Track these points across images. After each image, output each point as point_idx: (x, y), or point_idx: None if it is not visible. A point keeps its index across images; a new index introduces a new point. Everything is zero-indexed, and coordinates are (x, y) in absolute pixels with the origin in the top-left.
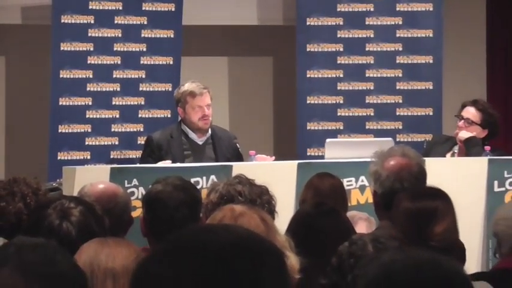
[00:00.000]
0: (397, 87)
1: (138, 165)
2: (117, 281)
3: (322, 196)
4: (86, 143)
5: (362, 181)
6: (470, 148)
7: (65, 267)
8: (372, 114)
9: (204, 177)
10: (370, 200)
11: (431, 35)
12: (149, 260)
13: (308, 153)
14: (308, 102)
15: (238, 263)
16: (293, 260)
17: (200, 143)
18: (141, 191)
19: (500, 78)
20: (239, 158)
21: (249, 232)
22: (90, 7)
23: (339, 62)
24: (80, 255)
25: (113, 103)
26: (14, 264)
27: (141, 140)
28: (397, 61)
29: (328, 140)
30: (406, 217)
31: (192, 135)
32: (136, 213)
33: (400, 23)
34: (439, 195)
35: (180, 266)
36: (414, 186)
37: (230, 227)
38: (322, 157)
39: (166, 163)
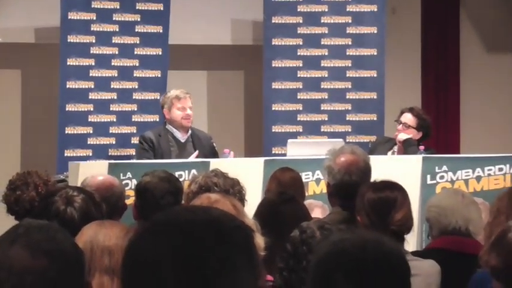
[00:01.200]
0: (347, 97)
1: (131, 161)
2: (112, 256)
3: (284, 187)
4: (88, 142)
5: (317, 175)
6: (407, 147)
7: (65, 244)
8: (326, 119)
9: (186, 171)
10: (324, 191)
11: (375, 53)
12: (137, 236)
13: (273, 152)
14: (273, 109)
15: (209, 238)
16: (259, 239)
17: (183, 140)
18: (134, 182)
19: (432, 90)
20: (215, 155)
21: (221, 212)
22: (91, 29)
23: (298, 75)
24: (82, 235)
25: (111, 109)
26: (22, 242)
27: (134, 140)
28: (347, 75)
29: (289, 140)
30: (370, 206)
31: (177, 134)
32: (130, 201)
33: (350, 43)
34: (397, 188)
35: (160, 241)
36: (361, 179)
37: (206, 208)
38: (285, 155)
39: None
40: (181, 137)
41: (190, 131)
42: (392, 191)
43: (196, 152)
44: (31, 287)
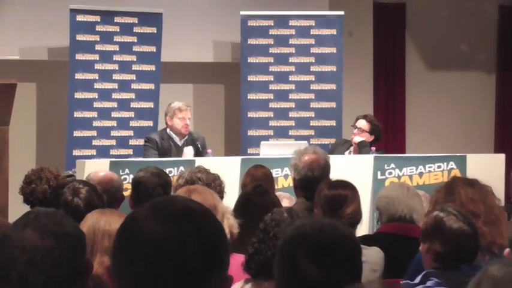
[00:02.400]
0: (311, 106)
1: (129, 159)
2: (111, 239)
3: (257, 181)
4: (93, 143)
5: (285, 171)
6: (361, 148)
7: (68, 227)
8: (293, 125)
9: (176, 168)
10: (291, 185)
11: (334, 70)
12: (129, 218)
13: (248, 152)
14: (249, 116)
15: (185, 223)
16: (232, 220)
17: (179, 144)
18: (131, 177)
19: (382, 100)
20: (201, 153)
21: (196, 203)
22: (95, 48)
23: (270, 88)
24: (86, 221)
25: (112, 116)
26: (33, 225)
27: (132, 142)
28: (311, 88)
29: (262, 142)
30: (325, 202)
31: (175, 139)
32: (128, 193)
33: (313, 61)
34: (349, 186)
35: (147, 223)
36: (321, 175)
37: (186, 199)
38: (258, 154)
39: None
40: (179, 140)
41: (186, 136)
42: (345, 189)
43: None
44: (40, 262)
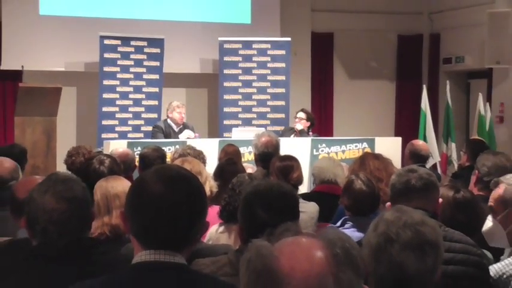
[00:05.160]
0: (267, 104)
1: (139, 140)
2: (120, 198)
3: (229, 155)
4: (115, 130)
5: (249, 149)
6: (302, 133)
7: (78, 192)
8: (255, 117)
9: (173, 146)
10: (253, 158)
11: (284, 79)
12: (139, 179)
13: (224, 135)
14: (224, 111)
15: (181, 183)
16: (212, 182)
17: (176, 130)
18: None
19: (317, 100)
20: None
21: (186, 170)
22: (117, 63)
23: (239, 91)
24: (97, 190)
25: (129, 110)
26: (51, 192)
27: (143, 128)
28: (267, 91)
29: (233, 129)
30: (278, 170)
31: (174, 126)
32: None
33: (269, 72)
34: (294, 159)
35: (150, 184)
36: (274, 151)
37: (179, 166)
38: (230, 137)
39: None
40: (176, 128)
41: (181, 125)
42: (291, 161)
43: (191, 133)
44: (56, 220)
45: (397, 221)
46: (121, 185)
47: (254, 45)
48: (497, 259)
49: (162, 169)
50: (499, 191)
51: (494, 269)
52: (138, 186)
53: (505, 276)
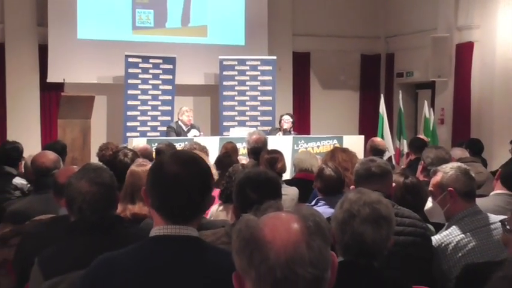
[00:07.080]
0: (258, 109)
1: (157, 137)
2: (144, 179)
3: (228, 150)
4: (137, 129)
5: (243, 144)
6: (286, 132)
7: (106, 178)
8: (248, 119)
9: (182, 143)
10: (246, 152)
11: (271, 89)
12: (157, 162)
13: (224, 134)
14: (224, 114)
15: (193, 164)
16: (214, 170)
17: (185, 129)
18: None
19: (298, 106)
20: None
21: (197, 155)
22: (139, 76)
23: (235, 99)
24: (133, 171)
25: (148, 114)
26: (85, 177)
27: (159, 128)
28: (258, 99)
29: (231, 129)
30: (266, 161)
31: (183, 127)
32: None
33: (259, 84)
34: (278, 152)
35: (167, 165)
36: (263, 146)
37: (191, 152)
38: (229, 136)
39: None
40: (185, 128)
41: (190, 126)
42: (276, 154)
43: (197, 132)
44: (89, 200)
45: (358, 200)
46: (144, 171)
47: (247, 62)
48: (437, 232)
49: (177, 153)
50: (436, 178)
51: (435, 239)
52: (158, 167)
53: (443, 245)
